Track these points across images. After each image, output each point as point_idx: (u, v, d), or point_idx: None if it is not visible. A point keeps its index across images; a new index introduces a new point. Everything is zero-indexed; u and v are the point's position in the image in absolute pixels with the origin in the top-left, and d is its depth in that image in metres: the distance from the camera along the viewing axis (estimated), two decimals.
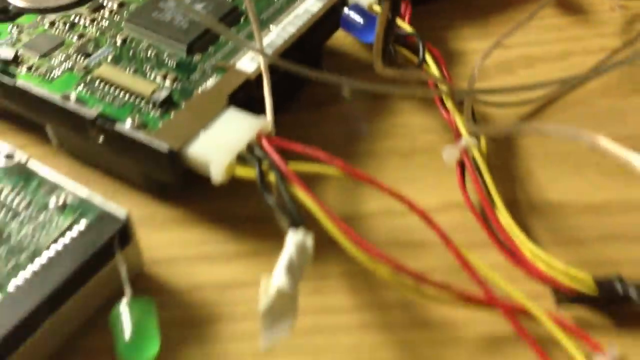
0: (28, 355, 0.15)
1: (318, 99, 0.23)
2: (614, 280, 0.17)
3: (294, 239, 0.13)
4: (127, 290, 0.15)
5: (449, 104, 0.20)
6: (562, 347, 0.16)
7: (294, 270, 0.12)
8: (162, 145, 0.17)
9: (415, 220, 0.18)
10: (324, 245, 0.18)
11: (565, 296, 0.17)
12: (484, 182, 0.19)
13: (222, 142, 0.17)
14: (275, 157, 0.17)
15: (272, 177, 0.17)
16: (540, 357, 0.16)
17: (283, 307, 0.12)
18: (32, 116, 0.20)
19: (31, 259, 0.16)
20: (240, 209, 0.20)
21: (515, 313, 0.17)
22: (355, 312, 0.17)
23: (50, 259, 0.16)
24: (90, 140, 0.18)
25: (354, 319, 0.17)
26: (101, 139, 0.18)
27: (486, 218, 0.19)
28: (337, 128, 0.22)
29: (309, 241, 0.14)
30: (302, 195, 0.16)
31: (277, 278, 0.12)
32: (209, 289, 0.18)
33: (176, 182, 0.18)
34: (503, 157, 0.21)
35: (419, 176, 0.20)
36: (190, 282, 0.18)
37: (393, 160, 0.21)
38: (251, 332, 0.17)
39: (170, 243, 0.19)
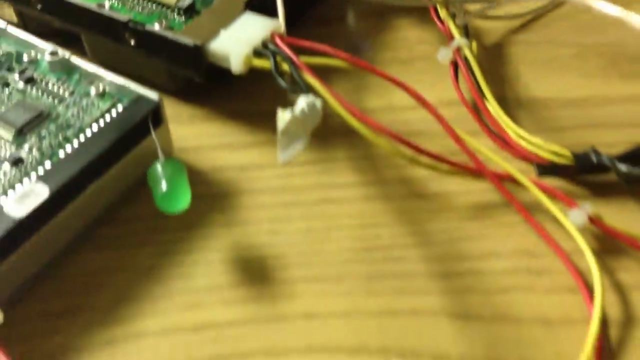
0: (75, 215, 0.18)
1: (326, 18, 0.25)
2: (589, 152, 0.19)
3: (305, 99, 0.16)
4: (161, 154, 0.17)
5: (443, 13, 0.23)
6: (544, 210, 0.18)
7: (306, 115, 0.15)
8: (188, 41, 0.19)
9: (413, 114, 0.21)
10: (334, 134, 0.20)
11: (545, 167, 0.19)
12: (475, 78, 0.21)
13: (240, 38, 0.19)
14: (288, 50, 0.19)
15: (285, 67, 0.19)
16: (525, 218, 0.18)
17: (296, 131, 0.14)
18: (70, 27, 0.22)
19: (77, 135, 0.18)
20: (254, 107, 0.22)
21: (503, 181, 0.19)
22: (360, 187, 0.20)
23: (94, 133, 0.18)
24: (122, 45, 0.21)
25: (358, 192, 0.19)
26: (133, 41, 0.20)
27: (477, 109, 0.21)
28: (343, 43, 0.24)
29: (319, 102, 0.16)
30: (312, 80, 0.18)
31: (292, 110, 0.15)
32: (230, 170, 0.20)
33: (200, 77, 0.20)
34: (493, 63, 0.23)
35: (417, 79, 0.22)
36: (214, 165, 0.20)
37: (394, 67, 0.23)
38: (267, 203, 0.19)
39: (195, 135, 0.21)
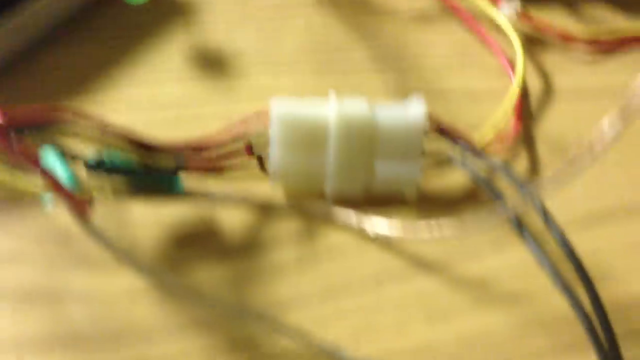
0: (38, 15, 0.19)
1: None
2: None
3: None
4: None
5: None
6: (482, 15, 0.20)
7: None
8: None
9: None
10: None
11: None
12: None
13: None
14: None
15: None
16: (463, 19, 0.20)
17: None
18: None
19: None
20: None
21: None
22: None
23: None
24: None
25: (310, 1, 0.21)
26: None
27: None
28: None
29: None
30: None
31: None
32: None
33: None
34: None
35: None
36: None
37: None
38: (224, 10, 0.20)
39: None
